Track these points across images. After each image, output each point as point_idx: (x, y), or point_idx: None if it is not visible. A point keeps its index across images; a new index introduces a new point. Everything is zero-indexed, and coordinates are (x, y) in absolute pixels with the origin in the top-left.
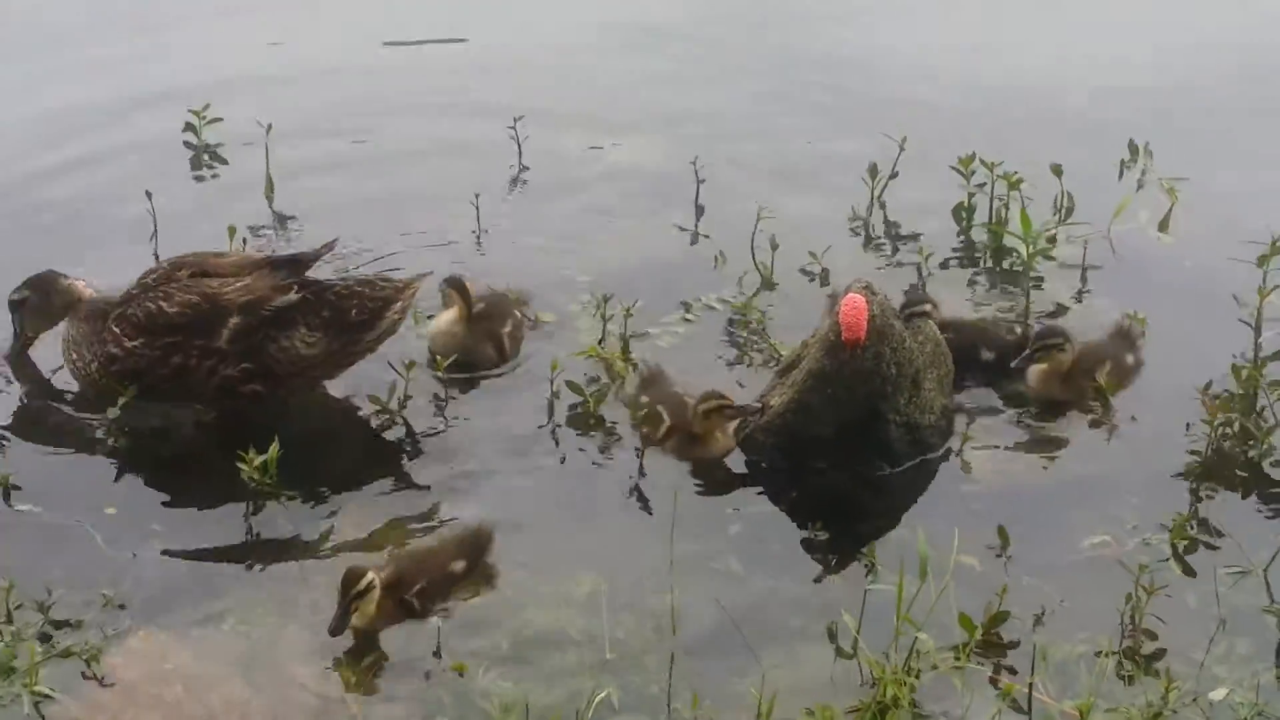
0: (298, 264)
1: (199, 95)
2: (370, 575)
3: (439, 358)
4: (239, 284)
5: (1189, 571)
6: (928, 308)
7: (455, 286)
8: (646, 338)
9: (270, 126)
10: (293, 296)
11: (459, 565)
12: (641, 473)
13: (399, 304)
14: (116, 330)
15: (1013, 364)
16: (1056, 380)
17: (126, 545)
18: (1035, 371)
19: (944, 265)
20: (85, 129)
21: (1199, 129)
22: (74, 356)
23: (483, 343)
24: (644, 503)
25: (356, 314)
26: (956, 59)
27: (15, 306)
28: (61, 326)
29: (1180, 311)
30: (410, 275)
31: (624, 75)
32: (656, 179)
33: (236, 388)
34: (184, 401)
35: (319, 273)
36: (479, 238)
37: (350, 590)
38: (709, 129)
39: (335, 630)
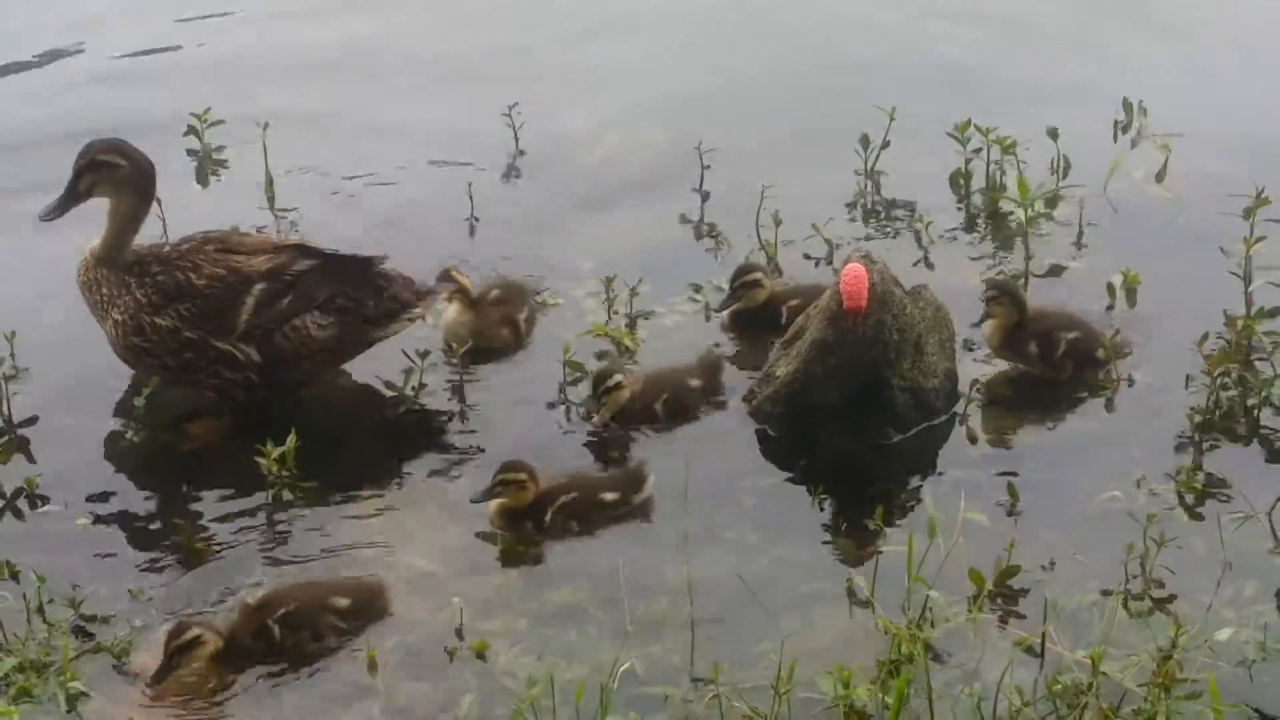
0: (349, 263)
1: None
2: (196, 631)
3: (454, 345)
4: (263, 255)
5: (1195, 519)
6: (758, 276)
7: (444, 280)
8: (653, 317)
9: (267, 125)
10: (313, 261)
11: (342, 602)
12: (654, 447)
13: (416, 310)
14: (142, 298)
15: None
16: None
17: (149, 540)
18: (988, 327)
19: (945, 231)
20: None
21: (1187, 84)
22: (104, 294)
23: (497, 327)
24: (656, 478)
25: (374, 308)
26: (946, 26)
27: (97, 168)
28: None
29: (1177, 265)
30: (431, 287)
31: (618, 59)
32: (655, 164)
33: (229, 391)
34: (182, 386)
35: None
36: (474, 225)
37: (170, 644)
38: (705, 111)
39: (153, 682)
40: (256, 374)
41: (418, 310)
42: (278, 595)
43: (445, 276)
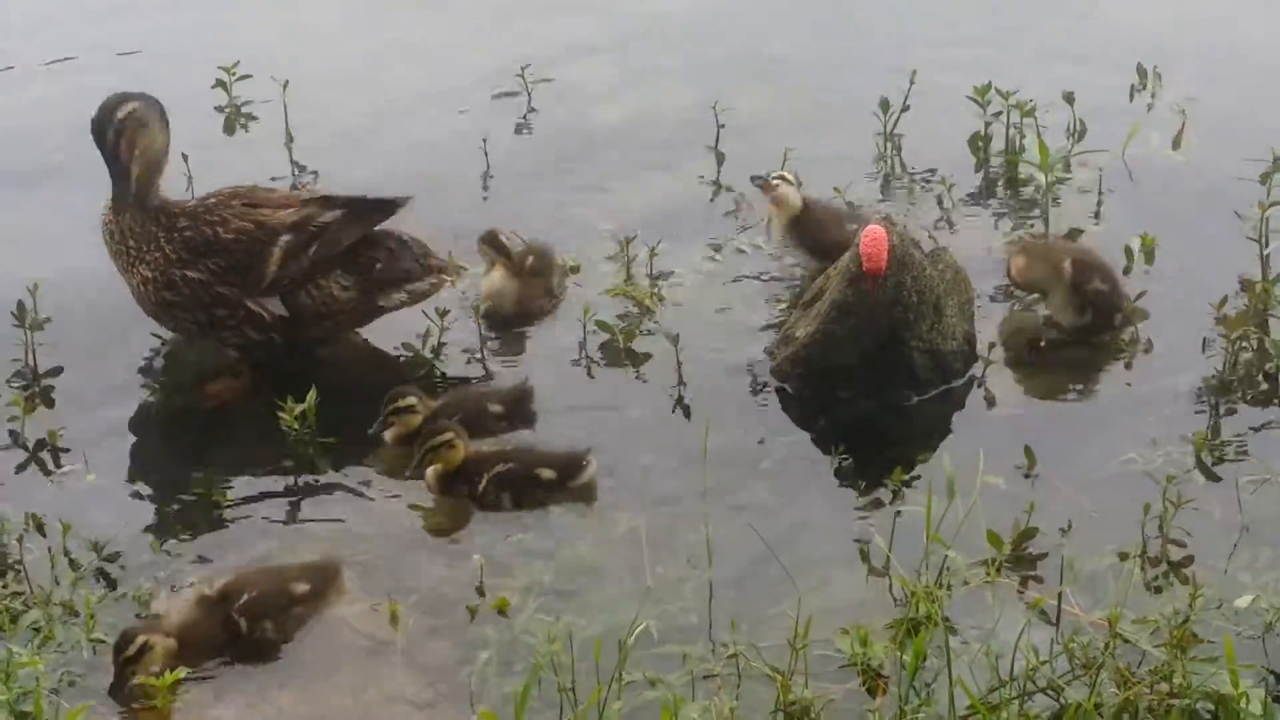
0: (371, 205)
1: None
2: (142, 639)
3: (478, 306)
4: (289, 209)
5: (1212, 482)
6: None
7: (491, 243)
8: (671, 277)
9: (286, 83)
10: (338, 212)
11: (301, 588)
12: (673, 409)
13: (421, 284)
14: (171, 254)
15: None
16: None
17: (171, 495)
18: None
19: (964, 195)
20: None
21: (1208, 48)
22: (131, 245)
23: (538, 296)
24: (676, 438)
25: (381, 267)
26: None
27: (123, 127)
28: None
29: (1195, 229)
30: (449, 264)
31: (635, 18)
32: (672, 124)
33: (251, 350)
34: (204, 342)
35: None
36: (489, 185)
37: (118, 656)
38: (723, 71)
39: (111, 694)
40: (279, 335)
41: (418, 286)
42: (236, 584)
43: (491, 239)
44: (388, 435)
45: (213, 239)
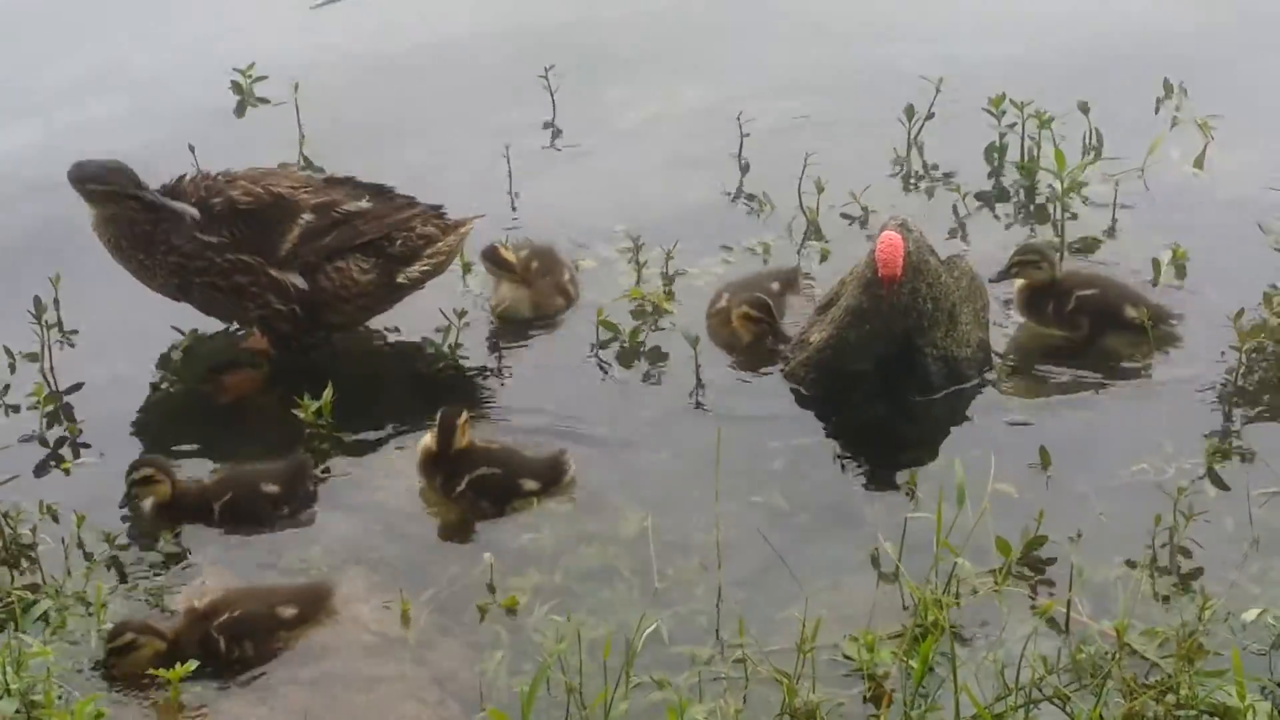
0: (400, 202)
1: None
2: (130, 635)
3: (496, 306)
4: (312, 189)
5: (1224, 494)
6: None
7: (492, 259)
8: (685, 277)
9: (297, 85)
10: (365, 203)
11: (289, 611)
12: (687, 408)
13: (442, 243)
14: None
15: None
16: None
17: None
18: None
19: (979, 204)
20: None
21: (1232, 65)
22: (139, 234)
23: (551, 296)
24: (688, 439)
25: (401, 245)
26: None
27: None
28: None
29: (1214, 245)
30: (461, 217)
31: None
32: (693, 130)
33: (273, 322)
34: (224, 318)
35: None
36: (512, 189)
37: (107, 644)
38: (746, 78)
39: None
40: (303, 309)
41: (443, 245)
42: (224, 602)
43: (491, 254)
44: (145, 505)
45: (227, 205)
